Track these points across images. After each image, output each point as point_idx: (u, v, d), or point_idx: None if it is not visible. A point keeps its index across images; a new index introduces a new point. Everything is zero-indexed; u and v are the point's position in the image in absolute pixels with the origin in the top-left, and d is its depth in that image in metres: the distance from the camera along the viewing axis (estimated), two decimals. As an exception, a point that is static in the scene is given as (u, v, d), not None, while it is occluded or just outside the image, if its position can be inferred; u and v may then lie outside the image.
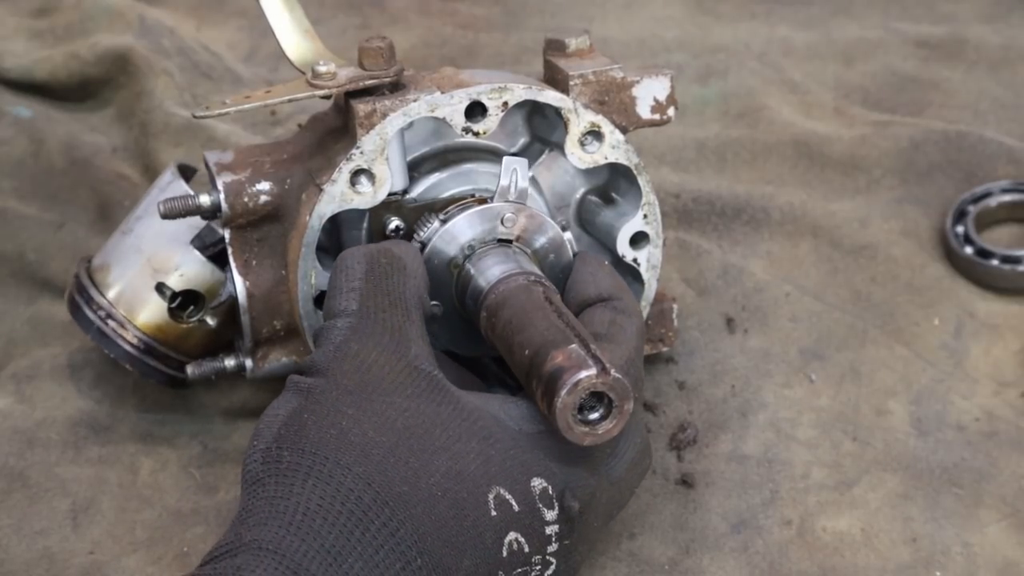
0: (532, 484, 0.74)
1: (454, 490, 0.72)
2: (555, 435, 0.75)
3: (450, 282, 0.87)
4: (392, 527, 0.69)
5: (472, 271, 0.85)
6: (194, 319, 0.97)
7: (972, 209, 1.16)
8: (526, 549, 0.74)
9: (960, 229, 1.15)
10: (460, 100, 0.85)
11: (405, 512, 0.70)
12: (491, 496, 0.72)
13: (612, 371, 0.71)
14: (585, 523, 0.78)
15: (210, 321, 0.97)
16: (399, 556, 0.69)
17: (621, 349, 0.80)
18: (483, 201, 0.87)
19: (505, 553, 0.73)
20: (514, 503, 0.73)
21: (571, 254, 0.89)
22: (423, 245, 0.86)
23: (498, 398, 0.78)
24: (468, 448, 0.73)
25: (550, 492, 0.74)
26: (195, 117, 0.86)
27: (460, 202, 0.88)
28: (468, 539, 0.71)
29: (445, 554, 0.70)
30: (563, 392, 0.70)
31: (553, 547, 0.75)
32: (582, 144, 0.89)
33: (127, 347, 0.97)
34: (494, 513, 0.72)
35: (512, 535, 0.73)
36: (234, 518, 0.71)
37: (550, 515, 0.74)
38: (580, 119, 0.88)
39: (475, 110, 0.86)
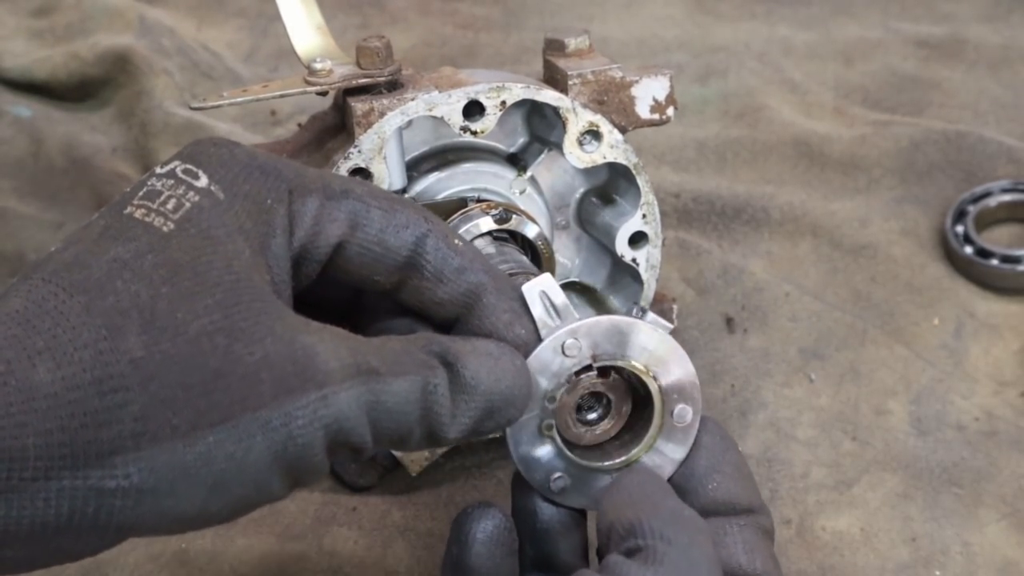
0: None
1: None
2: None
3: None
4: None
5: None
6: None
7: (972, 209, 1.16)
8: None
9: (960, 229, 1.15)
10: (458, 99, 0.85)
11: None
12: None
13: (612, 372, 0.71)
14: None
15: None
16: None
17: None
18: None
19: None
20: None
21: None
22: None
23: None
24: None
25: None
26: (191, 108, 0.85)
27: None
28: None
29: None
30: (562, 391, 0.70)
31: None
32: (580, 144, 0.89)
33: None
34: None
35: None
36: None
37: None
38: (578, 118, 0.88)
39: (473, 109, 0.86)
